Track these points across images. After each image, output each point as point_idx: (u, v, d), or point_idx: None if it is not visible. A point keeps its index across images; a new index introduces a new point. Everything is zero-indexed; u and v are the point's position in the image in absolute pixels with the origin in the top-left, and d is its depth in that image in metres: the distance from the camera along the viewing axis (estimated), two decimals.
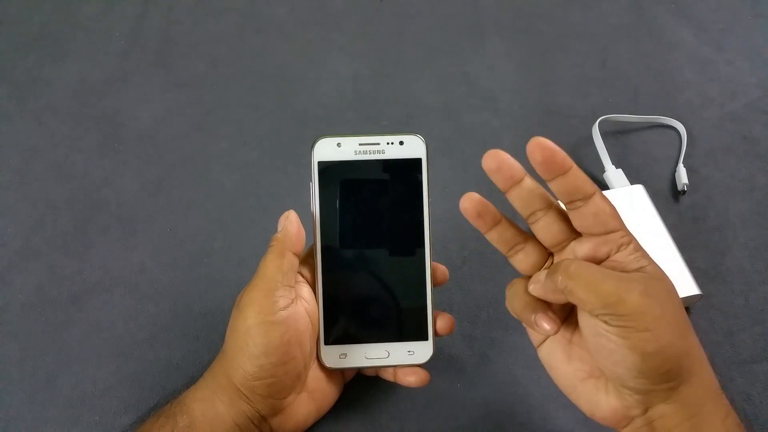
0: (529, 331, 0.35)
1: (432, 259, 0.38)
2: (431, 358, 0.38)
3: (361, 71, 0.62)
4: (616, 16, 0.67)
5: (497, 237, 0.34)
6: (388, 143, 0.37)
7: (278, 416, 0.36)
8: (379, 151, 0.37)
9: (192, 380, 0.38)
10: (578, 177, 0.31)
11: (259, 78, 0.61)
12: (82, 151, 0.55)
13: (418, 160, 0.38)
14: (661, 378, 0.29)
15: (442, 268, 0.39)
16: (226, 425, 0.35)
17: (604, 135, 0.53)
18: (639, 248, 0.32)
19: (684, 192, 0.51)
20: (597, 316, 0.29)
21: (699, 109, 0.58)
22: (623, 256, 0.31)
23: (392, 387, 0.40)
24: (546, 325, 0.32)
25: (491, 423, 0.41)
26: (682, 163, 0.53)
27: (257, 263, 0.36)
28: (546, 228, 0.33)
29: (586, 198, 0.31)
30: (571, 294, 0.30)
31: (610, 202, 0.32)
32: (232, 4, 0.68)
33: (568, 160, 0.31)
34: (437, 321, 0.38)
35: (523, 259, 0.35)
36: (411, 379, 0.38)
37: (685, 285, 0.43)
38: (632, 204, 0.47)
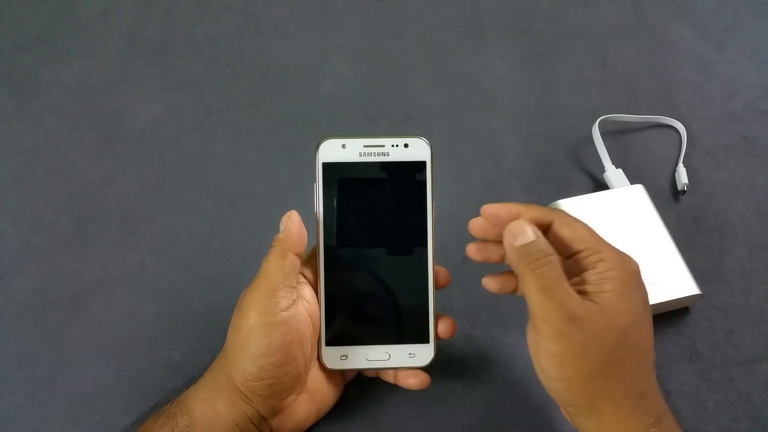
0: None
1: (434, 262, 0.38)
2: (432, 361, 0.38)
3: (361, 71, 0.62)
4: (616, 16, 0.67)
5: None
6: (393, 145, 0.37)
7: (278, 417, 0.36)
8: (383, 153, 0.37)
9: (192, 380, 0.38)
10: (530, 215, 0.34)
11: (259, 78, 0.61)
12: (82, 151, 0.55)
13: (423, 163, 0.37)
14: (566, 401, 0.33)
15: (445, 272, 0.39)
16: (226, 425, 0.35)
17: (604, 135, 0.53)
18: (606, 267, 0.33)
19: (684, 192, 0.51)
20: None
21: (699, 109, 0.58)
22: (590, 276, 0.33)
23: (392, 387, 0.40)
24: None
25: (491, 423, 0.41)
26: (682, 163, 0.53)
27: (257, 263, 0.36)
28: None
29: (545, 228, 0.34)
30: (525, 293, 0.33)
31: (570, 226, 0.34)
32: (232, 4, 0.68)
33: (513, 210, 0.34)
34: (439, 324, 0.38)
35: None
36: (412, 382, 0.38)
37: (685, 285, 0.43)
38: (632, 204, 0.47)
